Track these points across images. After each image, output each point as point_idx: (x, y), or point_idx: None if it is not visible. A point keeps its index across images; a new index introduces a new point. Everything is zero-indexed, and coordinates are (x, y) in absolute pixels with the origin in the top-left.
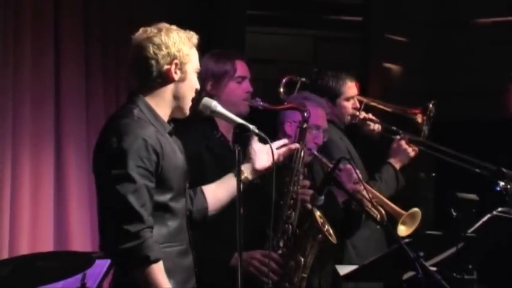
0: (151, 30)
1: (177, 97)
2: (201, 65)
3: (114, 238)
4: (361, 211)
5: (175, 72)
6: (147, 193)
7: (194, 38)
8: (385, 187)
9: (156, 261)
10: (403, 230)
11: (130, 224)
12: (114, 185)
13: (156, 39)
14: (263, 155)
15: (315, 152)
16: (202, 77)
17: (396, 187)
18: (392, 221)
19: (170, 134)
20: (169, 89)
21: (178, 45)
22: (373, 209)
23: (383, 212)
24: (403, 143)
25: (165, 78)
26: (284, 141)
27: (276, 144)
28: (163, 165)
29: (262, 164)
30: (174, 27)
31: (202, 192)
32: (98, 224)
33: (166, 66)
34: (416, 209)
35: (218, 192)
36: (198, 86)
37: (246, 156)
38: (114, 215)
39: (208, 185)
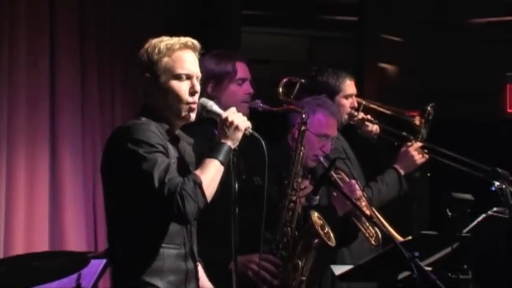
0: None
1: (162, 107)
2: (201, 67)
3: (162, 198)
4: (357, 227)
5: (149, 85)
6: (168, 165)
7: (176, 44)
8: (386, 189)
9: (198, 177)
10: None
11: (163, 179)
12: (139, 168)
13: (139, 57)
14: None
15: (321, 159)
16: (203, 78)
17: (399, 192)
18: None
19: (172, 141)
20: (154, 100)
21: (150, 58)
22: (370, 228)
23: (379, 232)
24: (411, 149)
25: (147, 92)
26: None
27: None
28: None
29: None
30: (161, 38)
31: None
32: (107, 227)
33: (143, 81)
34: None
35: None
36: (182, 91)
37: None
38: (150, 187)
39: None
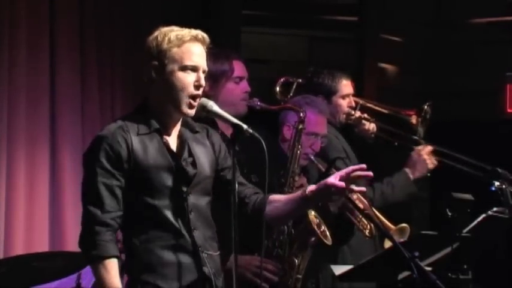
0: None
1: (164, 97)
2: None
3: (83, 219)
4: (351, 221)
5: (155, 73)
6: (105, 190)
7: (187, 35)
8: (391, 191)
9: (99, 258)
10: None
11: (85, 222)
12: (83, 183)
13: (147, 44)
14: (329, 195)
15: (312, 157)
16: None
17: (406, 195)
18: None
19: (159, 132)
20: (156, 89)
21: (160, 46)
22: (363, 220)
23: (372, 224)
24: (423, 153)
25: (150, 80)
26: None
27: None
28: (134, 162)
29: (324, 198)
30: (172, 27)
31: (266, 198)
32: None
33: (148, 68)
34: (405, 225)
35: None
36: (187, 83)
37: (319, 183)
38: (82, 201)
39: (277, 196)
